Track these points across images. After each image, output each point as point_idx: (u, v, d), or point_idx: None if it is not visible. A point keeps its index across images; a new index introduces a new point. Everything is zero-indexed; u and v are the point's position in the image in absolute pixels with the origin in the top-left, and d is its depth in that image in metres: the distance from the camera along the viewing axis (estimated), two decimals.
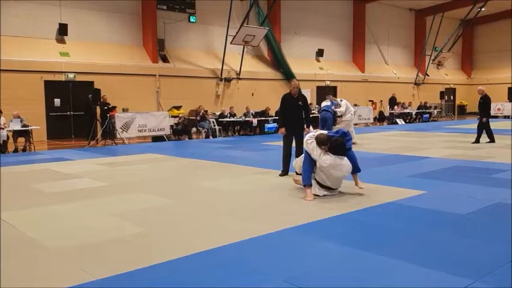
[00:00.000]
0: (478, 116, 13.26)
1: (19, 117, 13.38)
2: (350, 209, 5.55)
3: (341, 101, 13.90)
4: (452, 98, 34.84)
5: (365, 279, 3.45)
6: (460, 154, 10.64)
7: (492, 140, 12.92)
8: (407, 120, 25.32)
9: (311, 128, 12.76)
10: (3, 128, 12.74)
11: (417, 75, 31.39)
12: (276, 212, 5.62)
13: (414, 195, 6.23)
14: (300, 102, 8.10)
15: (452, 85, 34.62)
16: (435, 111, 27.73)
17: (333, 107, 13.42)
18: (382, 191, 6.57)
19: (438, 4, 29.11)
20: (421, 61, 31.26)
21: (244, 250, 4.15)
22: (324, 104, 13.97)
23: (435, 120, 25.83)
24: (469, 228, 4.78)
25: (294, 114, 8.09)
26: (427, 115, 26.80)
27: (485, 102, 13.10)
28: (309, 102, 19.44)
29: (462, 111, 34.40)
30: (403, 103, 26.41)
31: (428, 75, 31.99)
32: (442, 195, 6.26)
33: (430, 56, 31.02)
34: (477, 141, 12.90)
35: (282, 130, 8.22)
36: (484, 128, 13.02)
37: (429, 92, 31.11)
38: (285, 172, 8.09)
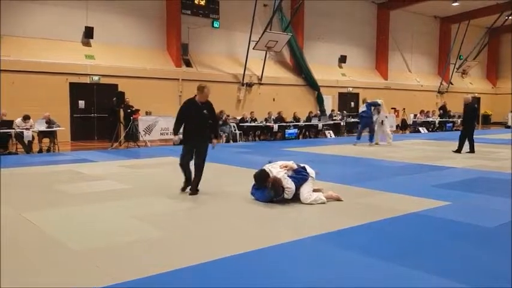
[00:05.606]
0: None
1: (49, 119, 13.60)
2: (373, 218, 5.47)
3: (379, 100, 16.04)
4: (476, 107, 34.15)
5: None
6: (484, 165, 10.43)
7: (458, 151, 12.84)
8: (430, 129, 24.97)
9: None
10: (28, 129, 13.00)
11: (441, 83, 30.93)
12: (297, 220, 5.58)
13: (439, 206, 6.12)
14: (204, 111, 7.23)
15: (476, 94, 34.02)
16: (459, 120, 27.25)
17: (373, 108, 15.64)
18: (406, 201, 6.48)
19: (464, 12, 28.70)
20: (445, 69, 30.83)
21: (265, 257, 4.12)
22: (362, 109, 15.93)
23: (458, 130, 25.37)
24: (495, 242, 4.67)
25: (196, 124, 7.11)
26: (451, 124, 26.38)
27: (465, 111, 13.22)
28: (331, 109, 19.80)
29: (487, 120, 33.78)
30: (427, 111, 26.07)
31: (452, 84, 31.52)
32: (467, 207, 6.14)
33: (455, 64, 30.58)
34: (471, 150, 12.80)
35: (175, 138, 7.45)
36: (465, 136, 12.93)
37: (453, 101, 30.63)
38: (186, 183, 7.08)
